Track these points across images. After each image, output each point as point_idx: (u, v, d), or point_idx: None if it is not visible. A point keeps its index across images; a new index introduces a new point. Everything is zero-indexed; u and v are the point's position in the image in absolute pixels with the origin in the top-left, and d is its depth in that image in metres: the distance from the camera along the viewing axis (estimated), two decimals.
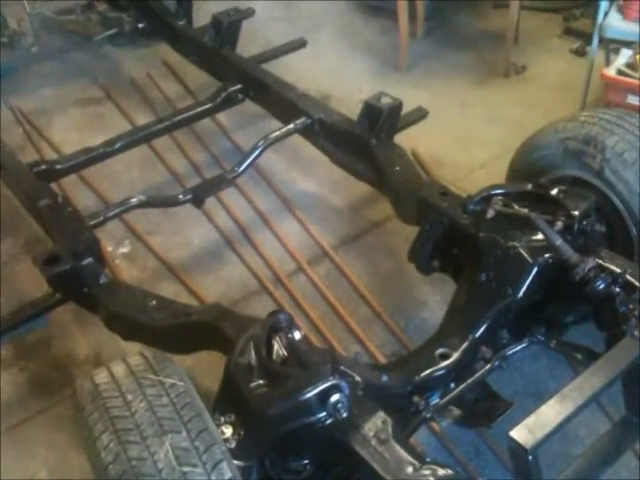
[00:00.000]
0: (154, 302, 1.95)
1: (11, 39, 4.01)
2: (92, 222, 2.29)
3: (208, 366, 2.18)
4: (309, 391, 1.48)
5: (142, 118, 3.42)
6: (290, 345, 1.61)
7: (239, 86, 3.03)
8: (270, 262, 2.71)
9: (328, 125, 2.70)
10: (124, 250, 2.79)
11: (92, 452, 1.39)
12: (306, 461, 1.60)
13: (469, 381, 1.82)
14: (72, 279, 2.01)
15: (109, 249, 2.73)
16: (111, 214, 2.37)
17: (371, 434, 1.48)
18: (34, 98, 3.73)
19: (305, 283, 2.64)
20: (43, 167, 2.59)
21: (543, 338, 1.96)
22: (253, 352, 1.59)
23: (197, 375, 2.17)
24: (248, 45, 3.47)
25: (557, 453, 1.91)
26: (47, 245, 2.31)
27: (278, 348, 1.62)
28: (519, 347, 1.92)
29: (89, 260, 2.04)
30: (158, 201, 2.52)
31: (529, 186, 2.06)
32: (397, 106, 2.57)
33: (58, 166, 2.66)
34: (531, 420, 1.60)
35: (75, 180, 3.03)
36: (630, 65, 2.98)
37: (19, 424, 2.21)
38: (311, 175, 3.13)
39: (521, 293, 1.86)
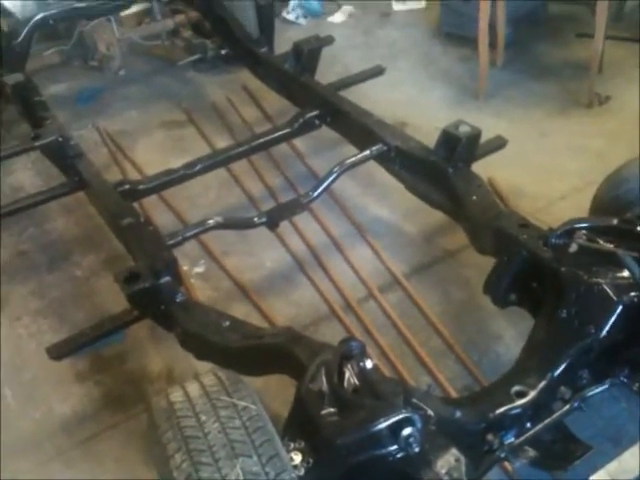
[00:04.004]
0: (227, 323, 1.97)
1: (100, 62, 4.21)
2: (171, 242, 2.34)
3: (277, 389, 2.19)
4: (381, 422, 1.45)
5: (221, 141, 3.51)
6: (362, 374, 1.59)
7: (317, 112, 3.07)
8: (341, 287, 2.70)
9: (404, 152, 2.69)
10: (199, 270, 2.85)
11: (164, 470, 1.40)
12: None
13: (546, 421, 1.74)
14: (150, 297, 2.06)
15: (185, 268, 2.80)
16: (189, 234, 2.42)
17: (443, 471, 1.44)
18: (120, 120, 3.89)
19: (375, 310, 2.61)
20: (127, 187, 2.68)
21: (626, 380, 1.86)
22: (324, 379, 1.58)
23: (266, 397, 2.16)
24: (327, 72, 3.52)
25: None
26: (126, 262, 2.39)
27: (349, 376, 1.60)
28: (600, 389, 1.83)
29: (167, 279, 2.09)
30: (234, 223, 2.55)
31: (615, 221, 1.99)
32: (476, 135, 2.54)
33: (141, 186, 2.75)
34: (613, 466, 1.53)
35: (155, 200, 3.12)
36: None
37: (91, 437, 2.27)
38: (385, 202, 3.13)
39: (604, 332, 1.78)
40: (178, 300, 2.08)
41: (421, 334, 2.49)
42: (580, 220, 2.01)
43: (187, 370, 2.34)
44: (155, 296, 2.06)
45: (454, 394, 2.22)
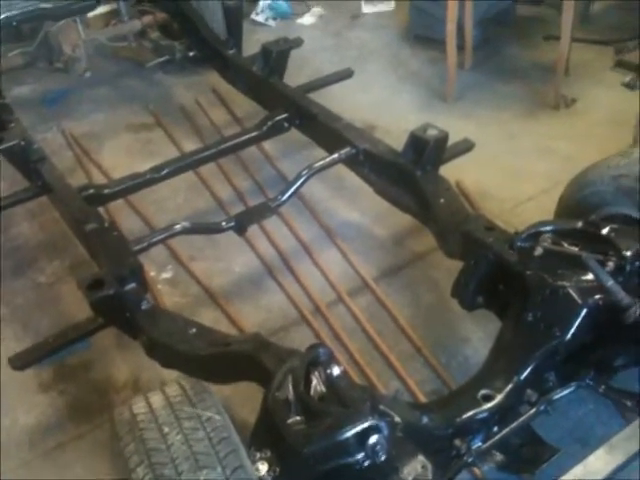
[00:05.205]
0: (194, 330, 1.94)
1: (66, 64, 4.14)
2: (137, 247, 2.31)
3: (246, 396, 2.16)
4: (347, 431, 1.44)
5: (190, 144, 3.47)
6: (329, 381, 1.58)
7: (285, 115, 3.05)
8: (310, 292, 2.69)
9: (373, 155, 2.69)
10: (166, 275, 2.81)
11: None
12: None
13: (513, 425, 1.75)
14: (115, 304, 2.02)
15: (152, 274, 2.76)
16: (155, 240, 2.39)
17: (410, 478, 1.43)
18: (86, 122, 3.83)
19: (345, 314, 2.60)
20: (91, 191, 2.63)
21: (591, 382, 1.88)
22: (291, 386, 1.57)
23: (234, 405, 2.15)
24: (296, 74, 3.50)
25: None
26: (92, 268, 2.35)
27: (317, 383, 1.59)
28: (566, 391, 1.84)
29: (132, 286, 2.05)
30: (201, 228, 2.53)
31: (580, 224, 2.00)
32: (443, 138, 2.54)
33: (106, 190, 2.70)
34: (579, 470, 1.54)
35: (122, 204, 3.08)
36: None
37: (57, 447, 2.22)
38: (354, 205, 3.12)
39: (569, 335, 1.79)
40: (144, 307, 2.05)
41: (390, 338, 2.48)
42: (545, 223, 2.02)
43: (154, 379, 2.31)
44: (120, 303, 2.02)
45: (423, 398, 2.22)
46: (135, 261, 2.16)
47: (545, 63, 4.02)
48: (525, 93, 3.87)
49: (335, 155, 2.73)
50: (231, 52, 3.55)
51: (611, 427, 1.98)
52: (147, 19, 4.22)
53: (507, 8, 4.44)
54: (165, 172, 2.80)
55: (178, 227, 2.41)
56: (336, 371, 1.61)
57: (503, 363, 1.84)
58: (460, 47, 3.94)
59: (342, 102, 3.41)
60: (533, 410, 1.78)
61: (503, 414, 1.75)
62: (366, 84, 3.96)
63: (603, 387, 1.86)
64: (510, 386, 1.76)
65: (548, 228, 2.01)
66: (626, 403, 1.84)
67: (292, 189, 2.64)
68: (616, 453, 1.55)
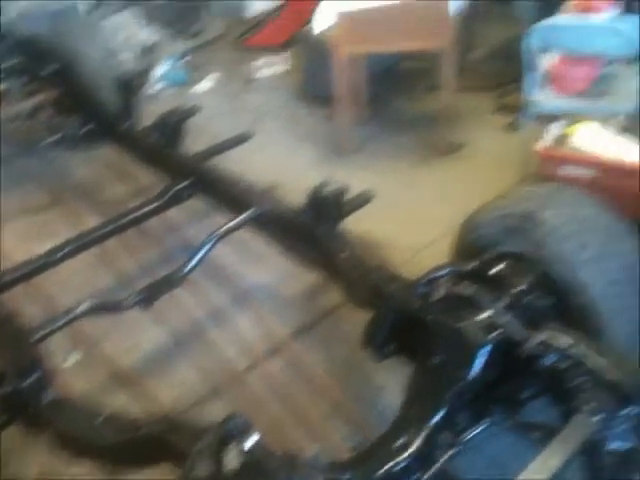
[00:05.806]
0: (101, 418, 1.87)
1: None
2: (38, 335, 2.22)
3: (165, 474, 2.09)
4: None
5: (91, 220, 3.39)
6: (244, 454, 1.56)
7: (186, 183, 3.06)
8: (225, 359, 2.65)
9: (275, 215, 2.73)
10: (72, 361, 2.70)
11: None
12: None
13: (431, 471, 1.77)
14: (15, 400, 1.93)
15: (56, 361, 2.64)
16: (57, 325, 2.30)
17: None
18: None
19: (262, 378, 2.58)
20: None
21: (502, 417, 1.94)
22: (205, 465, 1.53)
23: None
24: (194, 141, 3.52)
25: None
26: None
27: (232, 457, 1.56)
28: (480, 429, 1.90)
29: (33, 379, 1.96)
30: (105, 307, 2.45)
31: (473, 265, 2.10)
32: (341, 193, 2.62)
33: (3, 279, 2.60)
34: None
35: (22, 289, 2.95)
36: (560, 138, 3.12)
37: None
38: (262, 266, 3.13)
39: (474, 374, 1.85)
40: (47, 400, 1.96)
41: (309, 397, 2.47)
42: (441, 268, 2.11)
43: (65, 473, 2.19)
44: (20, 399, 1.93)
45: (347, 454, 2.21)
46: (35, 352, 2.08)
47: (431, 112, 4.22)
48: (417, 142, 4.05)
49: (239, 218, 2.75)
50: (127, 125, 3.55)
51: (527, 460, 2.03)
52: (38, 98, 4.15)
53: (393, 63, 4.67)
54: (64, 252, 2.73)
55: (80, 309, 2.33)
56: (252, 441, 1.59)
57: (416, 410, 1.87)
58: (354, 103, 4.09)
59: (242, 164, 3.43)
60: (449, 452, 1.81)
61: (421, 461, 1.77)
62: (265, 145, 4.02)
63: (512, 421, 1.92)
64: (425, 432, 1.79)
65: (445, 272, 2.10)
66: (536, 435, 1.89)
67: (198, 256, 2.63)
68: None
